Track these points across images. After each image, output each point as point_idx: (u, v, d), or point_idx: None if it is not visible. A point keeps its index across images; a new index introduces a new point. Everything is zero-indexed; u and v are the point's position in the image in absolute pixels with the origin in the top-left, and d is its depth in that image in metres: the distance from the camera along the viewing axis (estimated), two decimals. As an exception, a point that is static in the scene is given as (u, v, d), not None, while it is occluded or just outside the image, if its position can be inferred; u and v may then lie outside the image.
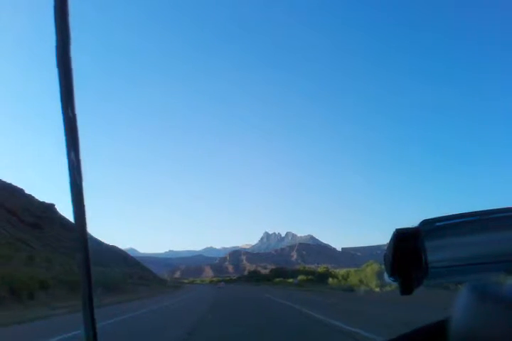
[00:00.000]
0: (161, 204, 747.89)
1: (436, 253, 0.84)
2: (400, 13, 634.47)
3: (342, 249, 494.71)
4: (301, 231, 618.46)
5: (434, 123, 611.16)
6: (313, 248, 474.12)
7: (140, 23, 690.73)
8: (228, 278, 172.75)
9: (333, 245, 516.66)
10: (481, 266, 0.86)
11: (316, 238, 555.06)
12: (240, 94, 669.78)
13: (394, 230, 0.85)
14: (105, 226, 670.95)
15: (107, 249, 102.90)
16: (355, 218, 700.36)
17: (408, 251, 0.83)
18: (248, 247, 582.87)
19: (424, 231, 0.84)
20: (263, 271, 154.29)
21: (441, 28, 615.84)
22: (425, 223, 0.87)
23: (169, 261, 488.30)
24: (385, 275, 0.89)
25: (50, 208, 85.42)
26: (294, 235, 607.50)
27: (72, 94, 0.79)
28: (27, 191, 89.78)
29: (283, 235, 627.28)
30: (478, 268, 0.87)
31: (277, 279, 78.47)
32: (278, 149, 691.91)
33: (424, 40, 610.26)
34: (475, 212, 0.89)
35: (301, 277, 69.33)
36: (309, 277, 69.15)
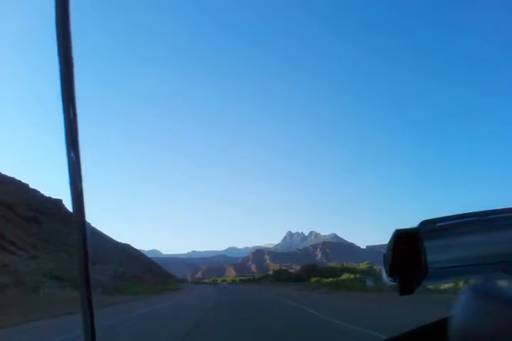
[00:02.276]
0: (183, 206, 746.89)
1: (436, 254, 0.84)
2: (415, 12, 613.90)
3: (367, 246, 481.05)
4: (325, 230, 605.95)
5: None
6: (337, 246, 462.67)
7: (143, 22, 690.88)
8: (252, 277, 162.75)
9: (357, 243, 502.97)
10: (481, 267, 0.86)
11: (340, 236, 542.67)
12: (259, 93, 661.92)
13: (394, 230, 0.85)
14: (127, 229, 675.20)
15: (116, 247, 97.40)
16: (378, 215, 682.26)
17: (407, 252, 0.83)
18: (271, 247, 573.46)
19: (423, 232, 0.84)
20: (290, 270, 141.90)
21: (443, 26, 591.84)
22: (425, 223, 0.87)
23: (191, 262, 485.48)
24: (384, 275, 0.89)
25: (57, 203, 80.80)
26: (317, 234, 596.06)
27: (73, 94, 0.79)
28: (32, 186, 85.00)
29: (306, 234, 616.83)
30: (478, 269, 0.87)
31: (314, 278, 62.02)
32: (299, 149, 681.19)
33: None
34: (475, 212, 0.88)
35: (346, 275, 55.42)
36: (356, 276, 56.35)
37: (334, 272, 66.46)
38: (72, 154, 0.80)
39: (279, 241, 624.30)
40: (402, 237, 0.84)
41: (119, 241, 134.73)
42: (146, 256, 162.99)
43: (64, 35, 0.76)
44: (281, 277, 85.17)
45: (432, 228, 0.86)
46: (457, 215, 0.88)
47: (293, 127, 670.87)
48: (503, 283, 0.50)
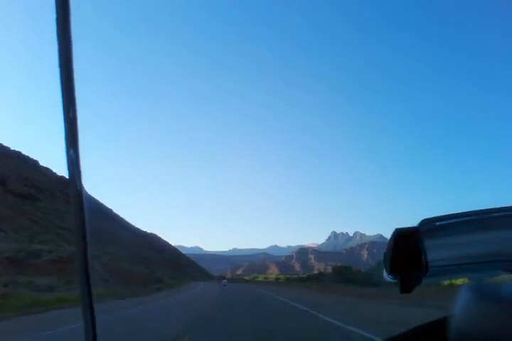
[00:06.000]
0: (227, 204, 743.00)
1: (436, 252, 0.83)
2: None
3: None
4: (370, 231, 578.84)
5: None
6: (384, 246, 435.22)
7: (142, 23, 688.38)
8: (297, 276, 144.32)
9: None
10: (480, 265, 0.86)
11: (386, 237, 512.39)
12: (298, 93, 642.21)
13: (394, 229, 0.85)
14: (172, 226, 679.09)
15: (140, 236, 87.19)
16: (422, 214, 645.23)
17: (407, 250, 0.82)
18: (314, 246, 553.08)
19: (423, 231, 0.84)
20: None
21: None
22: (425, 222, 0.86)
23: (233, 259, 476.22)
24: (384, 273, 0.89)
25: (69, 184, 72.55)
26: (362, 235, 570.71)
27: (73, 93, 0.77)
28: (42, 163, 78.90)
29: (351, 235, 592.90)
30: (477, 267, 0.86)
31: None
32: (344, 150, 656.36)
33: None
34: (474, 211, 0.88)
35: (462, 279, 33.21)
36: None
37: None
38: (72, 152, 0.78)
39: (323, 240, 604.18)
40: (402, 236, 0.83)
41: (145, 230, 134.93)
42: (172, 247, 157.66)
43: (64, 33, 0.74)
44: (345, 277, 60.67)
45: (431, 227, 0.85)
46: (457, 214, 0.87)
47: (333, 130, 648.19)
48: (502, 282, 0.50)
